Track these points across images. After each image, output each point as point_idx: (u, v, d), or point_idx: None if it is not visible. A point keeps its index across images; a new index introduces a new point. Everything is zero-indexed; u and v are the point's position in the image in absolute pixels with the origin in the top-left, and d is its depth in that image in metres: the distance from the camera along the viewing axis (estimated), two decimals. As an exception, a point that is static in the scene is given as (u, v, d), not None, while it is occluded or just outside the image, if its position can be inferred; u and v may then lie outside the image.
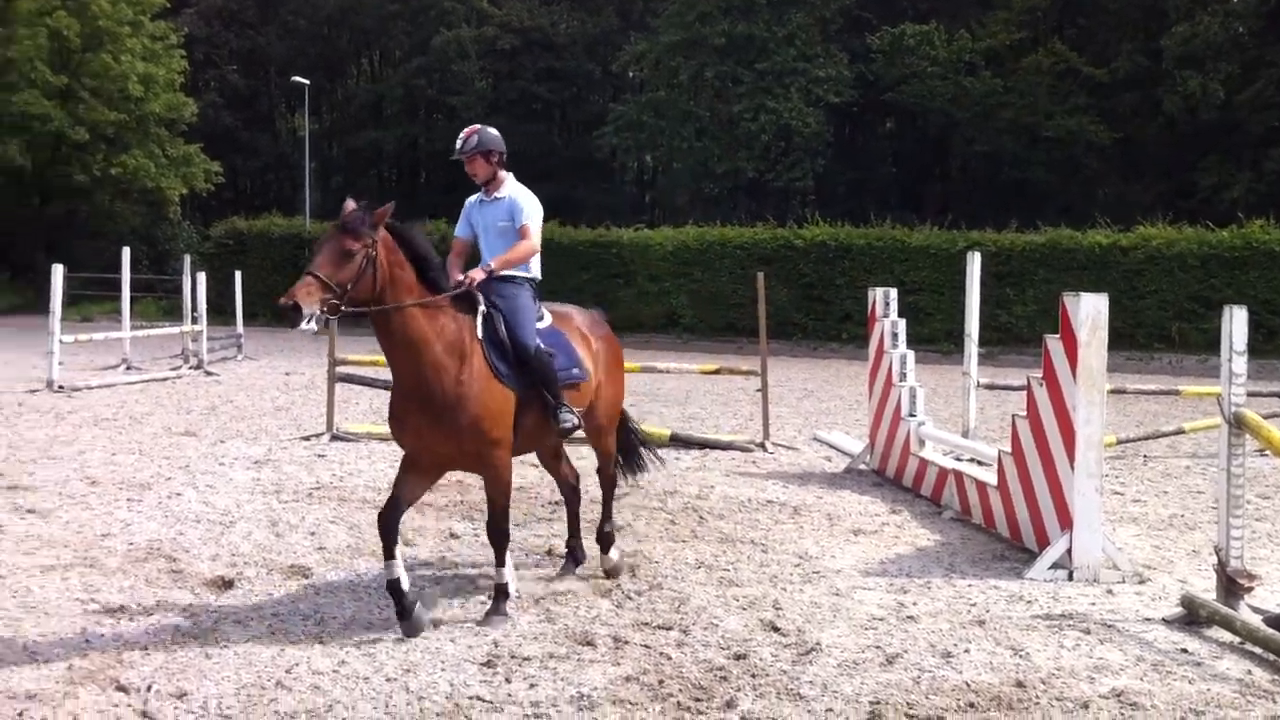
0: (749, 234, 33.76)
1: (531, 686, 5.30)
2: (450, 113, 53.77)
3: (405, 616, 6.07)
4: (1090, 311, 7.47)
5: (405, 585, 6.15)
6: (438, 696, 5.18)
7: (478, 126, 7.03)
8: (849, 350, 28.39)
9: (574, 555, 7.45)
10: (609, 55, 52.75)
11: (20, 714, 4.89)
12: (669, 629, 6.20)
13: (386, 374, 14.15)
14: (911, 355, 11.28)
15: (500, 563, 6.46)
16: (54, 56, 42.38)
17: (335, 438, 12.86)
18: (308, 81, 44.16)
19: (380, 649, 5.80)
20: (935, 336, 28.54)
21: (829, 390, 20.52)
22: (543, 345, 6.65)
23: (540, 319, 6.87)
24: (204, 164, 46.67)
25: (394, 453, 12.07)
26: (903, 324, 11.46)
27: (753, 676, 5.47)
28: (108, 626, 6.12)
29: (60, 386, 17.24)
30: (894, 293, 11.71)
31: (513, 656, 5.70)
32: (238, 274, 27.77)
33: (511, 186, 7.04)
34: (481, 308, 6.47)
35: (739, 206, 44.04)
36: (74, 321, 25.77)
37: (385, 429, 13.59)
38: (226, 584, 6.96)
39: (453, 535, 8.42)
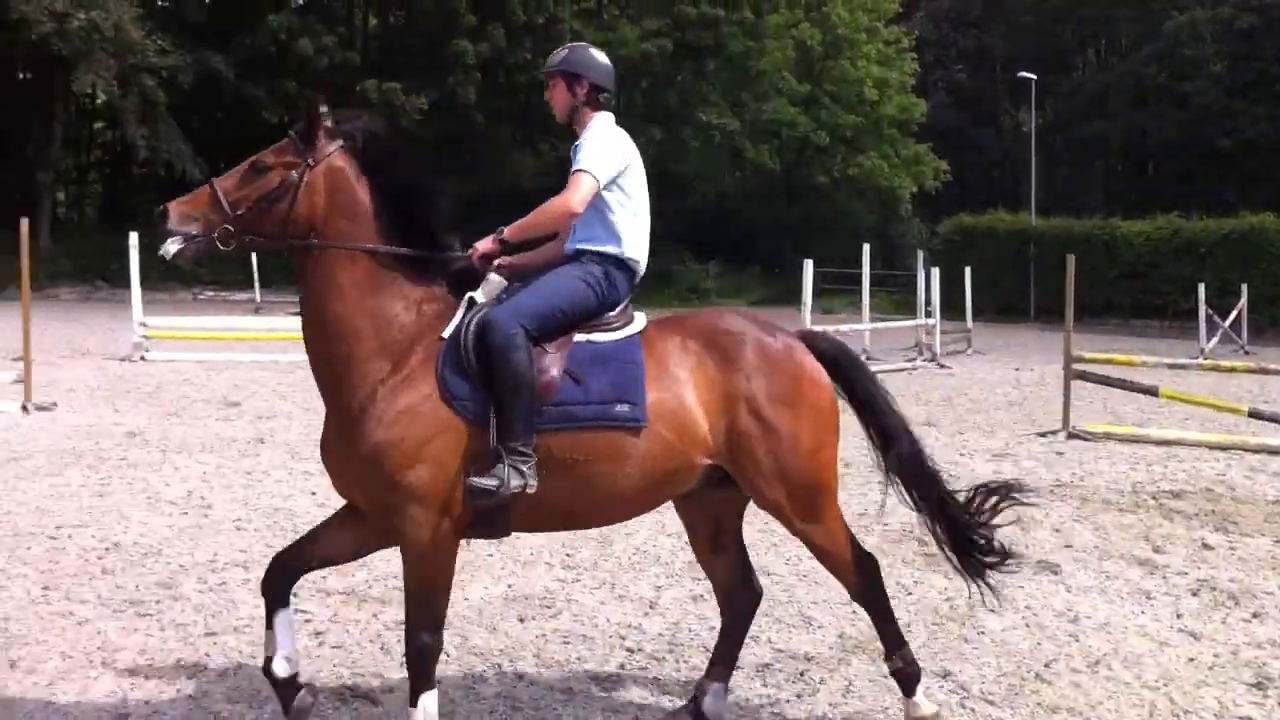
0: None
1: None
2: (1181, 100, 51.06)
3: (286, 714, 4.46)
4: None
5: (281, 670, 4.39)
6: (1205, 713, 5.01)
7: (577, 44, 4.89)
8: None
9: (701, 689, 4.79)
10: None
11: (801, 674, 5.44)
12: None
13: (1125, 372, 13.86)
14: None
15: (411, 699, 4.21)
16: (798, 66, 46.86)
17: (1072, 436, 12.70)
18: (1034, 76, 43.79)
19: (1136, 656, 5.71)
20: None
21: None
22: (557, 353, 4.32)
23: (623, 323, 4.55)
24: (932, 163, 48.47)
25: (1137, 455, 11.80)
26: None
27: None
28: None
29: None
30: None
31: (1290, 680, 5.35)
32: (967, 270, 28.30)
33: (595, 128, 4.68)
34: (475, 294, 4.40)
35: None
36: (817, 314, 27.83)
37: (1125, 430, 13.26)
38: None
39: (1206, 546, 7.96)
